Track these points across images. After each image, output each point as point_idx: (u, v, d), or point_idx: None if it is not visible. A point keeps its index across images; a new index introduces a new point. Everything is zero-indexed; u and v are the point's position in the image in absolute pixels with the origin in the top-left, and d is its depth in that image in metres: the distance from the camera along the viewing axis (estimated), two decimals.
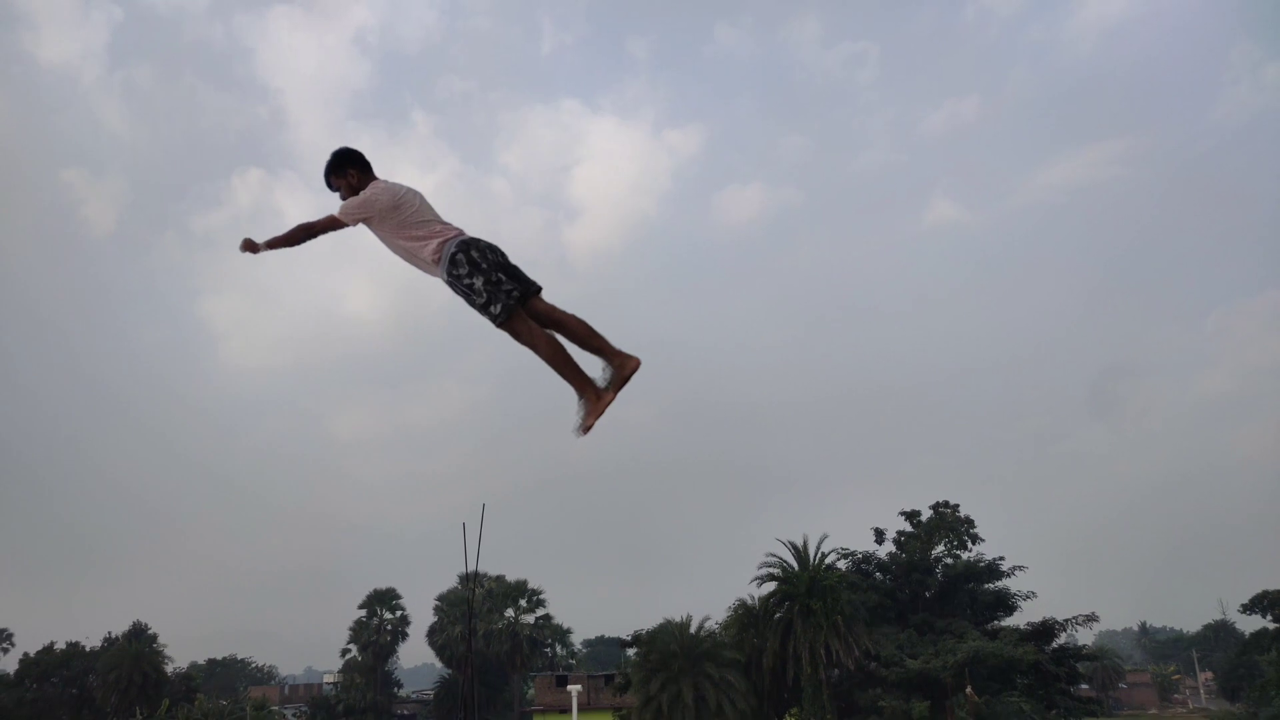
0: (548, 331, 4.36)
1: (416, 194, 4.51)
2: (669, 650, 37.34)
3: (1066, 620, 39.61)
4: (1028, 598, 42.35)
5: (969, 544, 43.92)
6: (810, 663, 35.79)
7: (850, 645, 35.93)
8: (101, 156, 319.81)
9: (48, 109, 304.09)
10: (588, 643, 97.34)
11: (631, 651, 42.20)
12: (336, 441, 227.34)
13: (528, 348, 4.33)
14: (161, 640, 64.45)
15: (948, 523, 44.55)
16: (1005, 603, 42.53)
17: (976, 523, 44.61)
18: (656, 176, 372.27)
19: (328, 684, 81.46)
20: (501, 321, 4.28)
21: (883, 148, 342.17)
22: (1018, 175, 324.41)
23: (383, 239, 4.54)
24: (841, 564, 42.62)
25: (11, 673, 66.97)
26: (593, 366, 4.40)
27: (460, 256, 4.31)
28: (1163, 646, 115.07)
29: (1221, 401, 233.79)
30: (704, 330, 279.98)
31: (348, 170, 4.62)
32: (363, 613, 70.16)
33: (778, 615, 38.65)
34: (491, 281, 4.27)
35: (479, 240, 4.41)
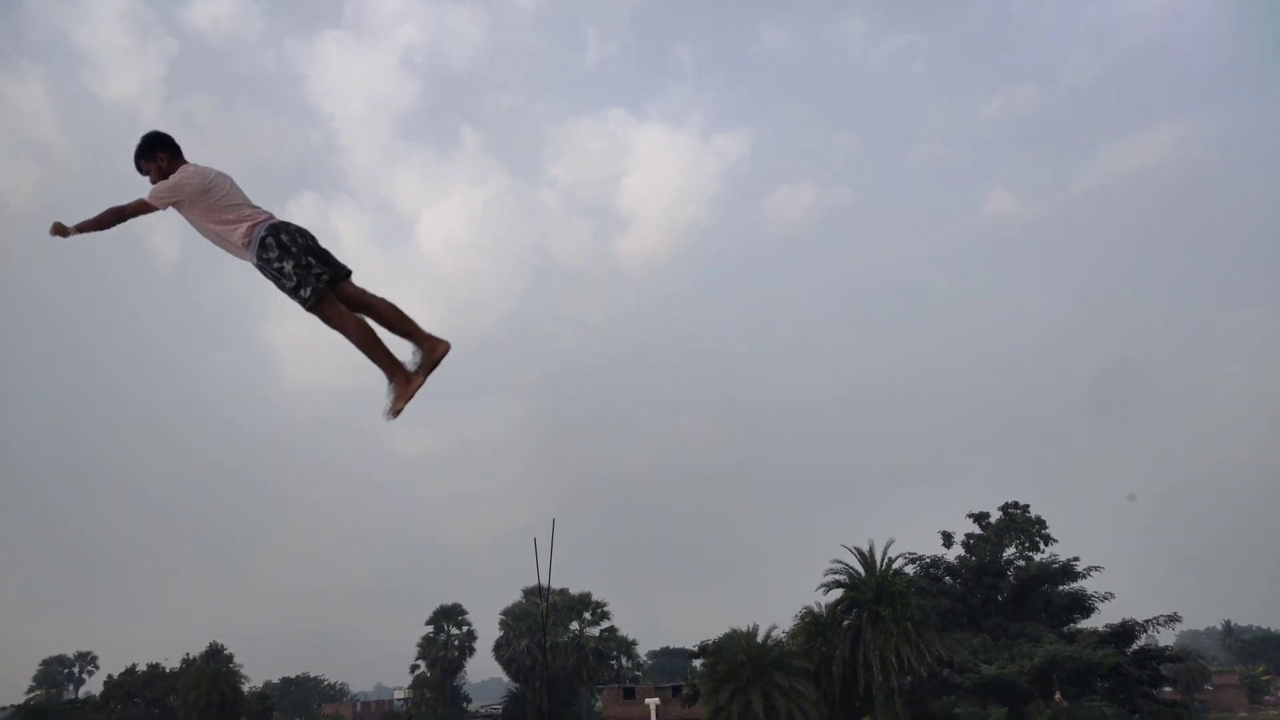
0: (358, 315, 4.36)
1: (227, 178, 4.50)
2: (736, 660, 37.03)
3: (1147, 621, 38.51)
4: (1105, 599, 41.27)
5: (1041, 545, 42.84)
6: (882, 670, 35.19)
7: (922, 651, 35.26)
8: None
9: (113, 146, 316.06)
10: (652, 654, 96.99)
11: (698, 662, 41.99)
12: (399, 460, 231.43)
13: (338, 331, 4.33)
14: (237, 660, 66.05)
15: (1018, 524, 43.53)
16: (1082, 604, 41.39)
17: (1048, 522, 43.56)
18: (706, 182, 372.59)
19: (399, 700, 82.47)
20: (311, 305, 4.28)
21: (937, 141, 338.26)
22: (1080, 161, 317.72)
23: (193, 223, 4.51)
24: (909, 569, 41.98)
25: (97, 694, 69.39)
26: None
27: (270, 240, 4.32)
28: (1249, 646, 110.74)
29: None
30: (759, 333, 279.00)
31: (157, 154, 4.56)
32: (430, 629, 70.99)
33: (846, 622, 38.15)
34: (301, 265, 4.28)
35: (289, 224, 4.41)
